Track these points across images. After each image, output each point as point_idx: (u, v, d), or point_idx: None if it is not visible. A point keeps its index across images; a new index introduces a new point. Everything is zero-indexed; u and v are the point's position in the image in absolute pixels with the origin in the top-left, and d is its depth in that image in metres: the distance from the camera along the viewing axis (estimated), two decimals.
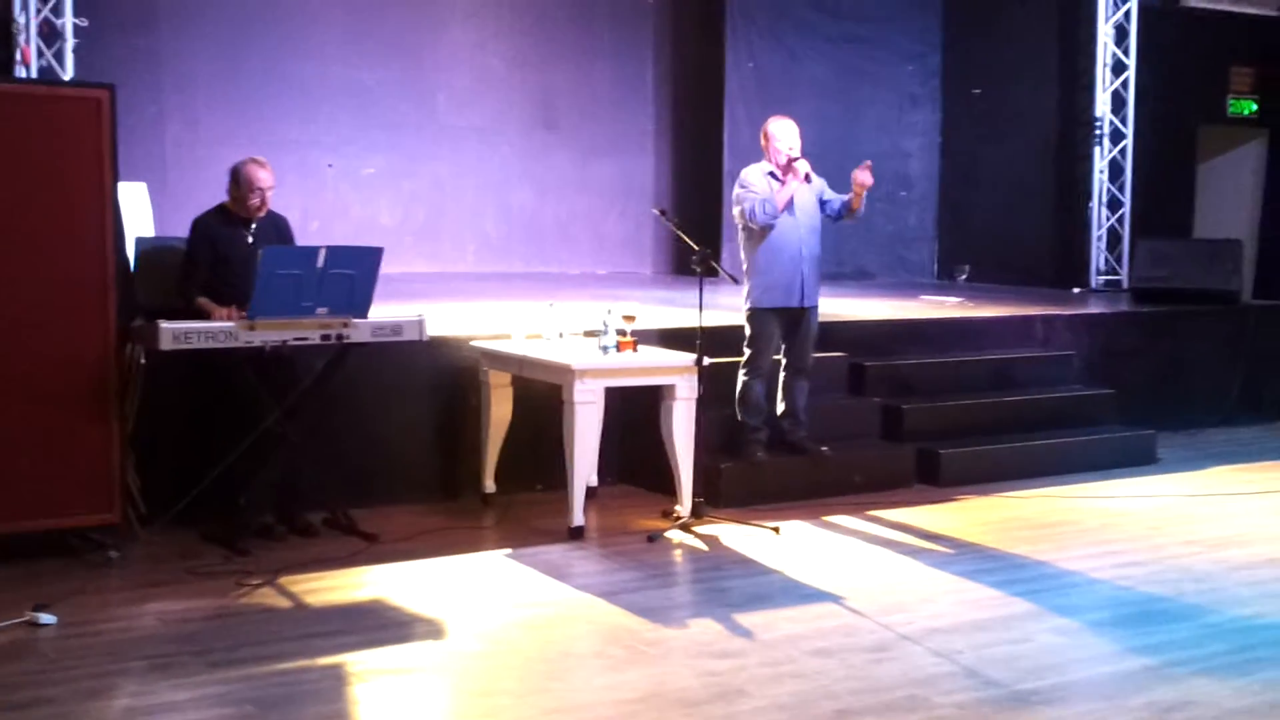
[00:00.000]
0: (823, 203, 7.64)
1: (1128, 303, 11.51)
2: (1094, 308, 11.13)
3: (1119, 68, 12.87)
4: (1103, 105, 12.84)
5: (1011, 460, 8.56)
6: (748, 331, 7.65)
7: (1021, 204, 13.59)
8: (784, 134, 7.50)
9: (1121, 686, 4.87)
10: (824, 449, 7.87)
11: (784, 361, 7.75)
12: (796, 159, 7.41)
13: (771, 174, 7.52)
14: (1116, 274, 12.95)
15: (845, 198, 7.56)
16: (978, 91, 14.05)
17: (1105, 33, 12.84)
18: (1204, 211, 13.89)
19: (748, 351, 7.65)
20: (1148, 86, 12.92)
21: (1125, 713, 4.59)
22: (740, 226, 7.62)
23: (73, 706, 4.48)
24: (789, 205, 7.45)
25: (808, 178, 7.44)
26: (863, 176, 7.38)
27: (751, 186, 7.48)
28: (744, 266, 7.64)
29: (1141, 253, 11.72)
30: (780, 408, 7.83)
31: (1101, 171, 12.88)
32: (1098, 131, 12.85)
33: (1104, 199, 12.91)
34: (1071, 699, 4.74)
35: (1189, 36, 13.49)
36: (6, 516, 6.00)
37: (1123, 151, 12.90)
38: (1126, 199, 12.92)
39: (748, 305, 7.61)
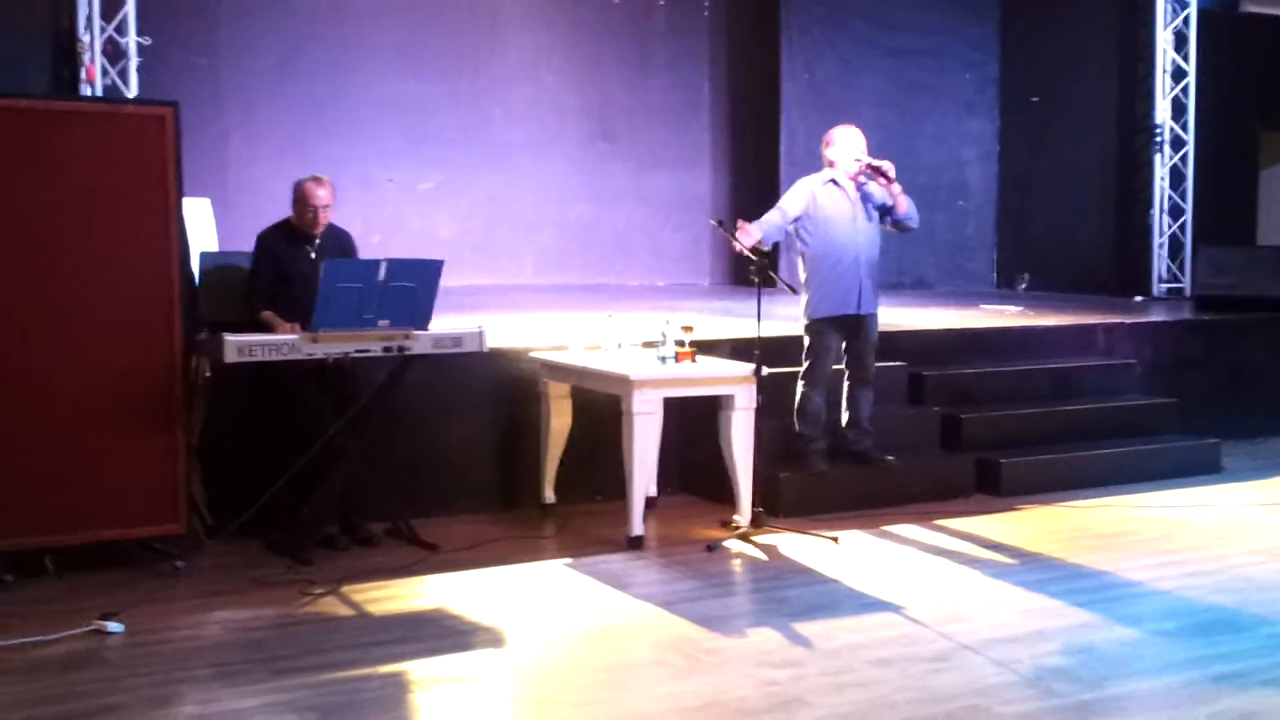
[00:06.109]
0: (885, 208, 7.67)
1: (1190, 311, 11.38)
2: (1156, 316, 11.03)
3: (1179, 74, 12.75)
4: (1163, 112, 12.72)
5: (1073, 470, 8.48)
6: (806, 342, 7.64)
7: (1082, 212, 13.48)
8: (845, 142, 7.58)
9: (1185, 697, 4.83)
10: (889, 458, 7.85)
11: (846, 372, 7.74)
12: (877, 163, 7.47)
13: (833, 181, 7.53)
14: (1179, 282, 12.81)
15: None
16: (1036, 99, 13.98)
17: (1164, 39, 12.71)
18: (1267, 218, 13.71)
19: (806, 362, 7.64)
20: (1208, 92, 12.80)
21: None
22: (798, 238, 7.64)
23: (139, 714, 4.55)
24: (855, 212, 7.53)
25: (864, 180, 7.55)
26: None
27: (784, 203, 7.61)
28: (801, 277, 7.65)
29: (1204, 260, 11.60)
30: (845, 418, 7.82)
31: (1162, 178, 12.75)
32: (1158, 138, 12.72)
33: (1165, 206, 12.78)
34: (1134, 709, 4.70)
35: (1250, 41, 13.37)
36: (75, 527, 6.10)
37: (1184, 158, 12.77)
38: (1188, 206, 12.79)
39: (806, 316, 7.61)
